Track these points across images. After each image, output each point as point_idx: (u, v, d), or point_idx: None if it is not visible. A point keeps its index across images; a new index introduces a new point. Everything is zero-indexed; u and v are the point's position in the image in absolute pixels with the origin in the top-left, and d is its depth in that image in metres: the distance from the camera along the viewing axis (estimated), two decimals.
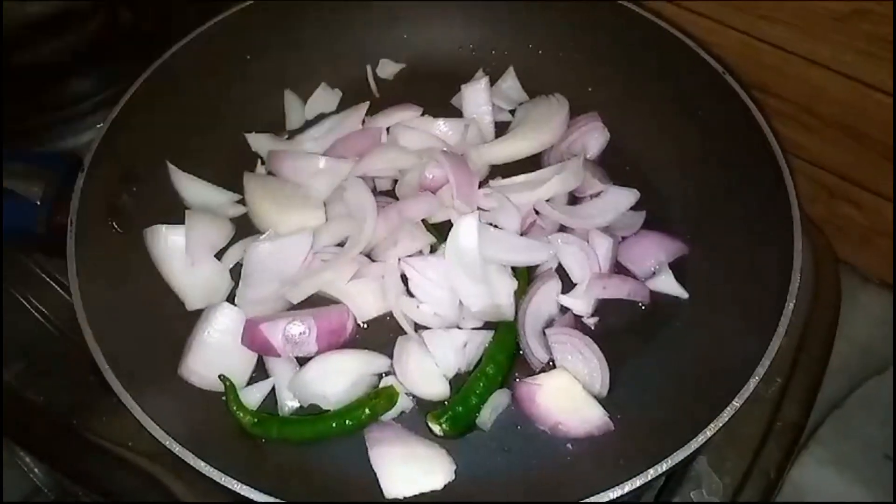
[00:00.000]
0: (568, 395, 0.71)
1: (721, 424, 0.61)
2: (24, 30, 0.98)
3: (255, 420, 0.70)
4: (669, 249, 0.82)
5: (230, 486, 0.58)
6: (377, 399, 0.70)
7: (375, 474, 0.67)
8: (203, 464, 0.59)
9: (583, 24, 0.93)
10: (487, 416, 0.71)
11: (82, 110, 0.99)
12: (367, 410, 0.70)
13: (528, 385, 0.72)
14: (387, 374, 0.75)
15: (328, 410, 0.72)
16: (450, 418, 0.70)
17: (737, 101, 0.80)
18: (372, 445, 0.68)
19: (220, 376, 0.71)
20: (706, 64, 0.82)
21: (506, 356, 0.74)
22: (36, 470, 0.91)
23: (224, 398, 0.71)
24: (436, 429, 0.70)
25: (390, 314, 0.78)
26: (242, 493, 0.58)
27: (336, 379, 0.72)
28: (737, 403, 0.61)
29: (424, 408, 0.73)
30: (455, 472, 0.68)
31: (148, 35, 1.05)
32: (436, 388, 0.73)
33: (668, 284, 0.80)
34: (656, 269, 0.81)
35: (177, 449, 0.60)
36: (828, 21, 0.89)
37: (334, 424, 0.70)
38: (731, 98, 0.80)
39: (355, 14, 0.96)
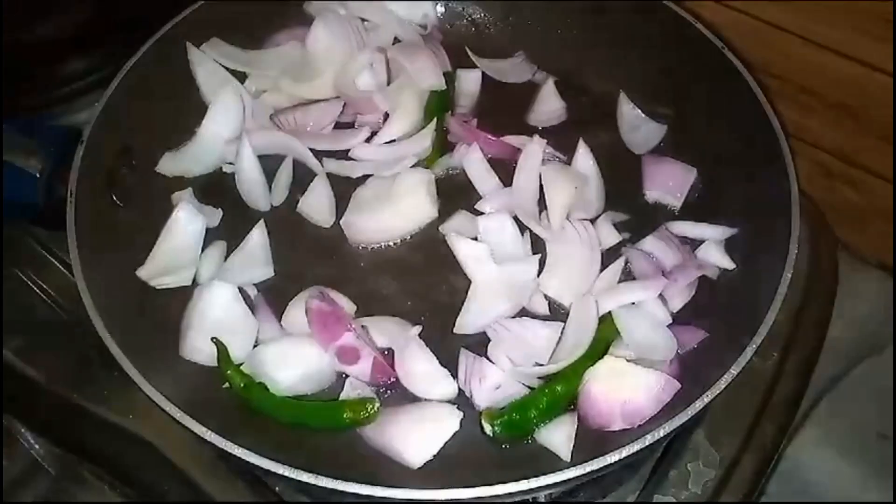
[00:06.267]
0: (619, 371, 0.67)
1: (717, 392, 0.61)
2: (15, 10, 0.97)
3: (243, 384, 0.68)
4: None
5: (233, 452, 0.58)
6: (360, 412, 0.67)
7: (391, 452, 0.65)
8: (206, 430, 0.59)
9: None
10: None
11: (76, 90, 0.98)
12: (347, 412, 0.67)
13: None
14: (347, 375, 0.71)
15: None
16: (504, 423, 0.67)
17: (737, 78, 0.80)
18: (371, 437, 0.67)
19: (212, 339, 0.69)
20: (705, 39, 0.82)
21: (581, 378, 0.69)
22: (36, 446, 0.91)
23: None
24: (487, 428, 0.67)
25: None
26: (247, 459, 0.58)
27: (292, 365, 0.70)
28: (734, 371, 0.62)
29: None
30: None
31: (139, 15, 1.04)
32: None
33: (717, 257, 0.77)
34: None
35: (178, 415, 0.60)
36: None
37: (312, 417, 0.68)
38: (731, 75, 0.80)
39: None
